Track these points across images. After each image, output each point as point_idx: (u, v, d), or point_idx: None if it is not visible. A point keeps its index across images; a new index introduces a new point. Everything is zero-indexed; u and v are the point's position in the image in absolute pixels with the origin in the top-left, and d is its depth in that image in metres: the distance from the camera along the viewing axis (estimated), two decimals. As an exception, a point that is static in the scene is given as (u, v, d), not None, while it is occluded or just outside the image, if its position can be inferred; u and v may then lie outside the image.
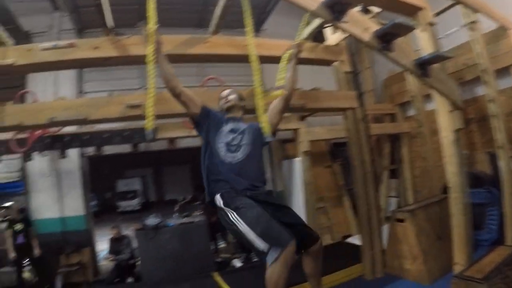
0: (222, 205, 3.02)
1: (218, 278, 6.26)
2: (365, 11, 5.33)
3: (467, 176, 4.83)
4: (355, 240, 6.30)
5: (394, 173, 10.24)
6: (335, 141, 9.93)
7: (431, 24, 4.62)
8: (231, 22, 5.80)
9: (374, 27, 3.81)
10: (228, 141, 3.24)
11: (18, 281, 7.91)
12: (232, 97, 3.55)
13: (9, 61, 4.35)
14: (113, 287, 7.58)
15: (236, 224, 2.84)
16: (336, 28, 5.06)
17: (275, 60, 5.13)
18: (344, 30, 3.91)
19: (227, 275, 6.49)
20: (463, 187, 4.52)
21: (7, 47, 4.68)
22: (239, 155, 3.21)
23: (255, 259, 8.41)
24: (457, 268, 4.46)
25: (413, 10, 4.58)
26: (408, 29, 3.86)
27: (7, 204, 8.20)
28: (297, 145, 8.38)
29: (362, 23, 3.80)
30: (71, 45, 4.44)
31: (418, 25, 4.58)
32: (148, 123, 3.31)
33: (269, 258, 2.63)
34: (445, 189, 5.32)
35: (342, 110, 5.98)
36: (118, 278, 7.99)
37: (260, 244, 2.68)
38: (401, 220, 5.67)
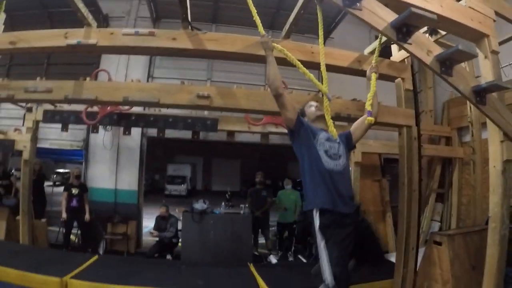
0: (317, 227, 3.09)
1: (253, 269, 6.38)
2: (432, 32, 5.38)
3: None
4: (391, 257, 6.30)
5: (442, 197, 10.06)
6: (386, 157, 9.91)
7: (495, 52, 4.49)
8: (302, 27, 5.98)
9: (437, 50, 3.86)
10: (327, 149, 3.31)
11: (64, 241, 8.61)
12: (318, 108, 3.68)
13: (92, 41, 4.80)
14: (153, 260, 7.86)
15: (320, 250, 3.04)
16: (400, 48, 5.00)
17: (340, 70, 5.35)
18: (407, 51, 3.95)
19: (261, 268, 6.55)
20: (503, 218, 4.41)
21: (91, 28, 5.06)
22: (341, 162, 3.31)
23: (291, 259, 8.75)
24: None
25: (478, 36, 4.48)
26: (470, 56, 3.90)
27: (67, 170, 8.83)
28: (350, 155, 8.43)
29: (426, 46, 3.85)
30: (151, 34, 4.79)
31: (482, 52, 4.49)
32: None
33: None
34: (488, 221, 5.26)
35: (398, 126, 5.96)
36: (158, 254, 8.40)
37: (328, 277, 2.92)
38: (438, 243, 5.57)
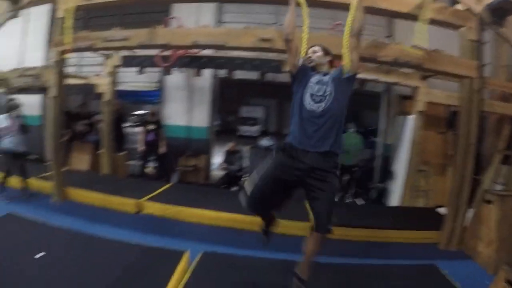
0: (276, 148, 3.66)
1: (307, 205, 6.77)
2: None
3: None
4: (445, 211, 6.43)
5: (509, 159, 9.65)
6: (455, 109, 9.69)
7: None
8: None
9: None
10: (313, 92, 3.49)
11: (141, 172, 9.51)
12: (315, 56, 3.69)
13: None
14: (220, 190, 8.63)
15: (264, 163, 3.59)
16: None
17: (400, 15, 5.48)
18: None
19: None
20: None
21: None
22: (323, 105, 3.41)
23: (349, 201, 9.10)
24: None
25: None
26: None
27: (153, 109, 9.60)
28: (414, 103, 8.41)
29: None
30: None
31: None
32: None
33: (241, 196, 3.62)
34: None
35: (460, 77, 5.89)
36: (225, 185, 9.18)
37: (249, 188, 3.53)
38: (488, 202, 5.50)
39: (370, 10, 5.37)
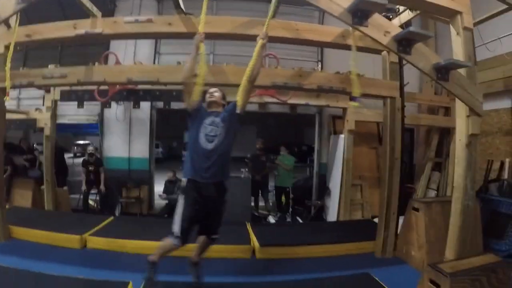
0: (182, 188, 4.13)
1: (249, 227, 7.05)
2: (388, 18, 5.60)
3: (472, 180, 4.79)
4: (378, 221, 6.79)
5: (439, 167, 10.32)
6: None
7: (468, 29, 4.62)
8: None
9: (396, 31, 4.21)
10: (207, 132, 4.03)
11: (84, 206, 9.52)
12: (216, 94, 4.31)
13: (98, 30, 5.51)
14: (162, 220, 8.53)
15: (178, 205, 4.06)
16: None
17: (324, 44, 6.15)
18: (364, 33, 4.22)
19: (257, 227, 7.25)
20: (466, 189, 4.67)
21: (97, 18, 5.80)
22: (215, 143, 4.00)
23: (288, 220, 9.42)
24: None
25: (450, 14, 4.64)
26: (424, 36, 4.26)
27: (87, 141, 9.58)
28: (344, 123, 8.83)
29: (384, 27, 4.20)
30: (149, 21, 5.42)
31: (454, 29, 4.67)
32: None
33: (171, 238, 4.06)
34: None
35: (383, 97, 6.32)
36: (167, 214, 9.16)
37: (176, 228, 4.00)
38: (416, 209, 5.91)
39: (296, 41, 5.83)
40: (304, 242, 6.44)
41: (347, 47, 5.59)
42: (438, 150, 10.43)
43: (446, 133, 10.14)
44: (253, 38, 5.71)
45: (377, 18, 4.16)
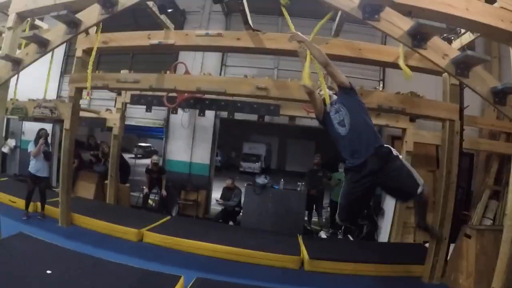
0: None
1: (300, 240, 7.16)
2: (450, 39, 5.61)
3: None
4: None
5: (497, 195, 9.78)
6: (443, 148, 9.93)
7: None
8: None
9: (454, 53, 4.17)
10: (338, 121, 3.98)
11: (143, 203, 10.18)
12: (323, 93, 4.28)
13: (171, 41, 6.00)
14: (217, 224, 9.03)
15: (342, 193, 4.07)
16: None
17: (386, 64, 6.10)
18: (423, 56, 4.22)
19: (308, 240, 7.33)
20: None
21: (170, 30, 6.29)
22: (347, 126, 3.90)
23: (340, 237, 9.40)
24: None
25: (509, 37, 4.47)
26: (481, 60, 4.21)
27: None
28: (403, 144, 8.65)
29: (442, 50, 4.19)
30: (219, 35, 5.80)
31: None
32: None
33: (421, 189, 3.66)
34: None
35: (441, 120, 6.19)
36: (222, 220, 9.58)
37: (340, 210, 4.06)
38: (468, 236, 5.74)
39: (358, 60, 5.97)
40: (353, 259, 6.46)
41: (409, 67, 5.58)
42: (497, 177, 9.88)
43: (507, 160, 9.41)
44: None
45: (436, 40, 4.18)
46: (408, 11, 4.12)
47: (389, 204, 8.91)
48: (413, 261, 6.51)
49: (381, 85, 10.74)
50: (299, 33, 4.35)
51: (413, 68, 5.23)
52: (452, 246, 6.16)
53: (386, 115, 8.27)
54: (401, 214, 8.58)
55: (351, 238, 9.39)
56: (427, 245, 6.83)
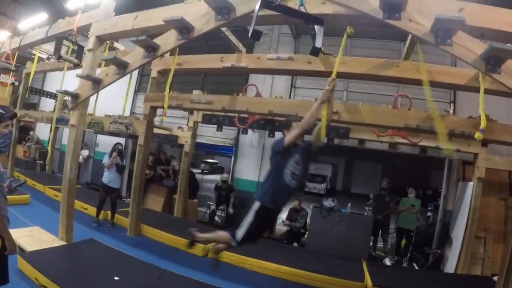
0: (257, 207, 4.29)
1: (364, 266, 7.14)
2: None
3: None
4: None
5: None
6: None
7: None
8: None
9: None
10: (293, 170, 4.23)
11: (210, 220, 10.56)
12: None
13: (243, 64, 6.33)
14: (281, 245, 9.14)
15: (249, 215, 4.32)
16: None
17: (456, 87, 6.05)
18: (496, 80, 3.94)
19: (372, 267, 7.27)
20: None
21: (242, 54, 6.69)
22: (296, 183, 4.28)
23: (405, 265, 9.19)
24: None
25: None
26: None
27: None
28: (474, 169, 8.38)
29: None
30: (290, 58, 6.05)
31: None
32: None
33: (232, 240, 4.39)
34: None
35: None
36: (286, 240, 9.69)
37: (240, 233, 4.31)
38: None
39: (429, 83, 5.91)
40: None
41: (477, 90, 5.38)
42: None
43: None
44: (388, 79, 6.04)
45: (510, 64, 3.95)
46: (480, 33, 4.03)
47: (458, 233, 8.59)
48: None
49: (452, 107, 10.47)
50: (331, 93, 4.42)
51: (485, 91, 5.05)
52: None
53: (457, 140, 8.05)
54: (470, 244, 8.19)
55: (416, 267, 9.20)
56: (495, 278, 6.54)
